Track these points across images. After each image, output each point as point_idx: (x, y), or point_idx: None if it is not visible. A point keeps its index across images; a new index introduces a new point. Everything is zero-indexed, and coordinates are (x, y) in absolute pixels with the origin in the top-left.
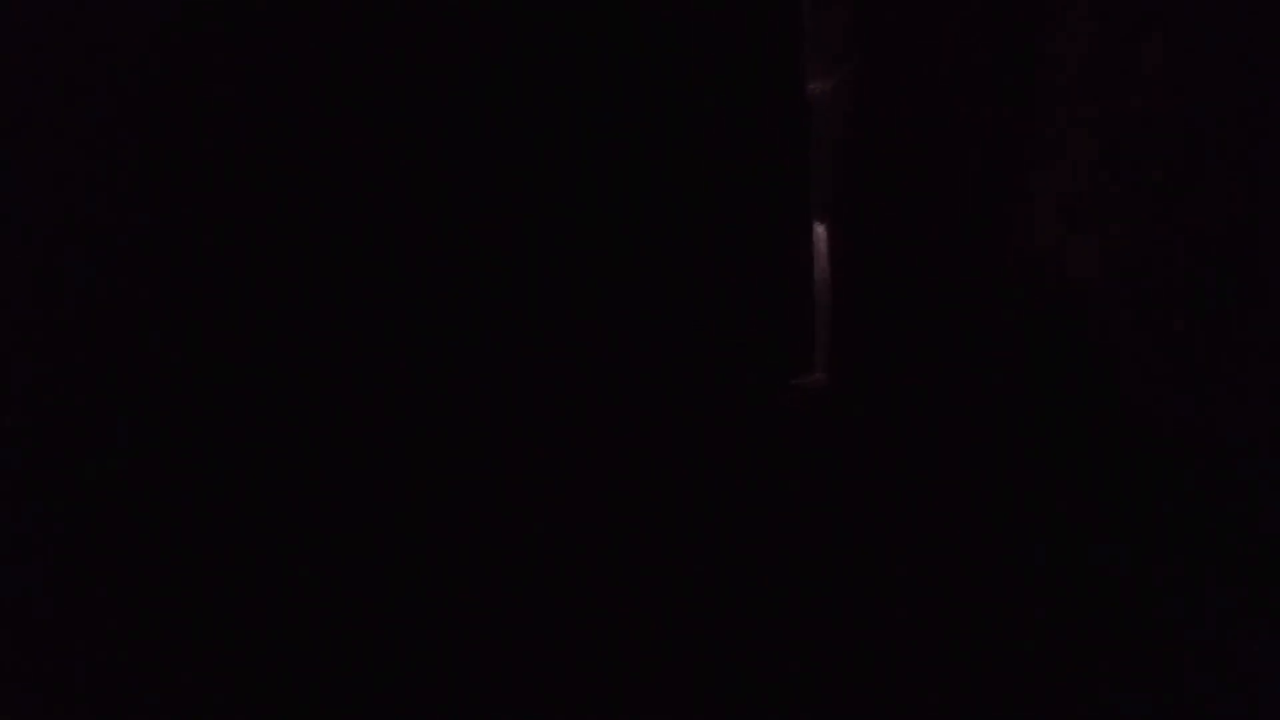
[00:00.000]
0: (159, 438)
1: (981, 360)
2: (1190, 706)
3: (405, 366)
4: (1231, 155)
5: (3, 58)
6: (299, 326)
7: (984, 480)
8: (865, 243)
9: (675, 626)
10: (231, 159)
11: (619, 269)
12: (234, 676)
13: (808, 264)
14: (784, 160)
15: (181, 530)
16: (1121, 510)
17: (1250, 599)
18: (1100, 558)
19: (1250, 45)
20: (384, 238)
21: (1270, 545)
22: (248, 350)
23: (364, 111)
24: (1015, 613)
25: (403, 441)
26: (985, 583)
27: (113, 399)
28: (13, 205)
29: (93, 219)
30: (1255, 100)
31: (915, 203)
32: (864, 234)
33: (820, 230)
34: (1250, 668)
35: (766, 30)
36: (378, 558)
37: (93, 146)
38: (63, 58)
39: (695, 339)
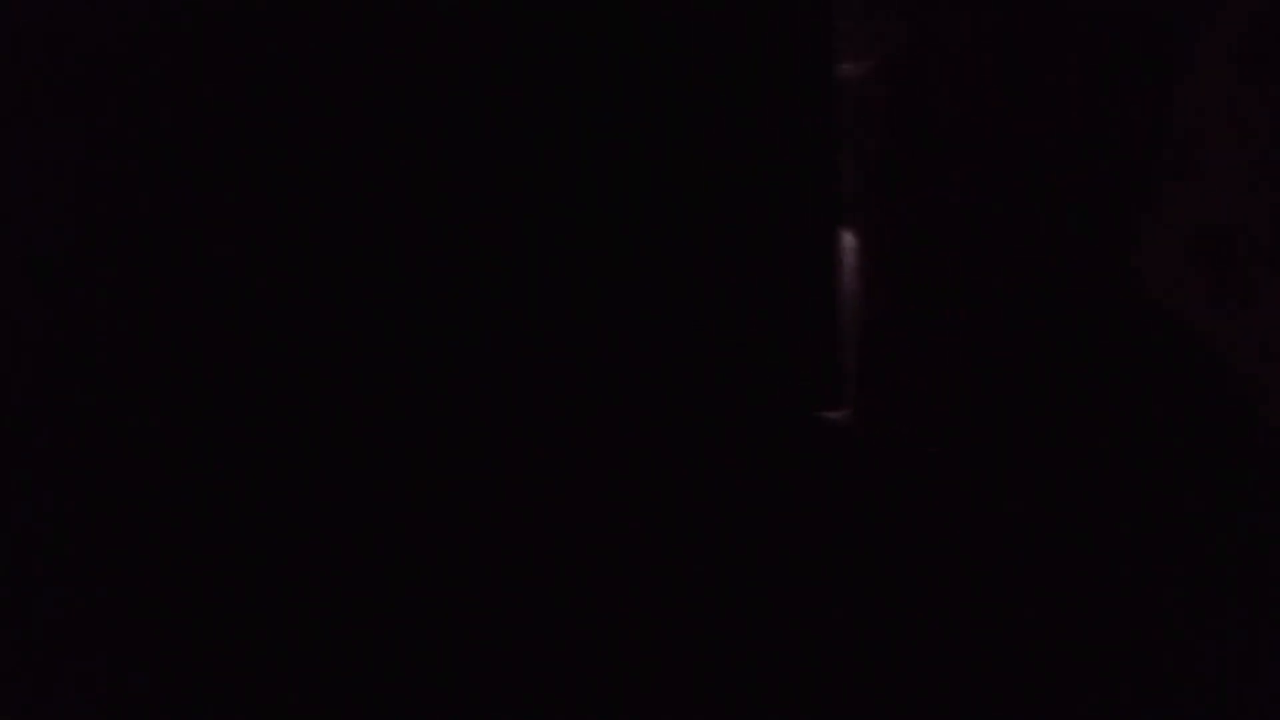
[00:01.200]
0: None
1: (1061, 403)
2: None
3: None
4: None
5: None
6: (307, 329)
7: (1057, 549)
8: (912, 256)
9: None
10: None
11: (604, 277)
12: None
13: (833, 277)
14: (806, 156)
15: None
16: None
17: None
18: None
19: None
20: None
21: None
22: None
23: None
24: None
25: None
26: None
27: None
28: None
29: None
30: None
31: (980, 210)
32: (911, 246)
33: (850, 239)
34: None
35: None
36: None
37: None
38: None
39: (696, 362)
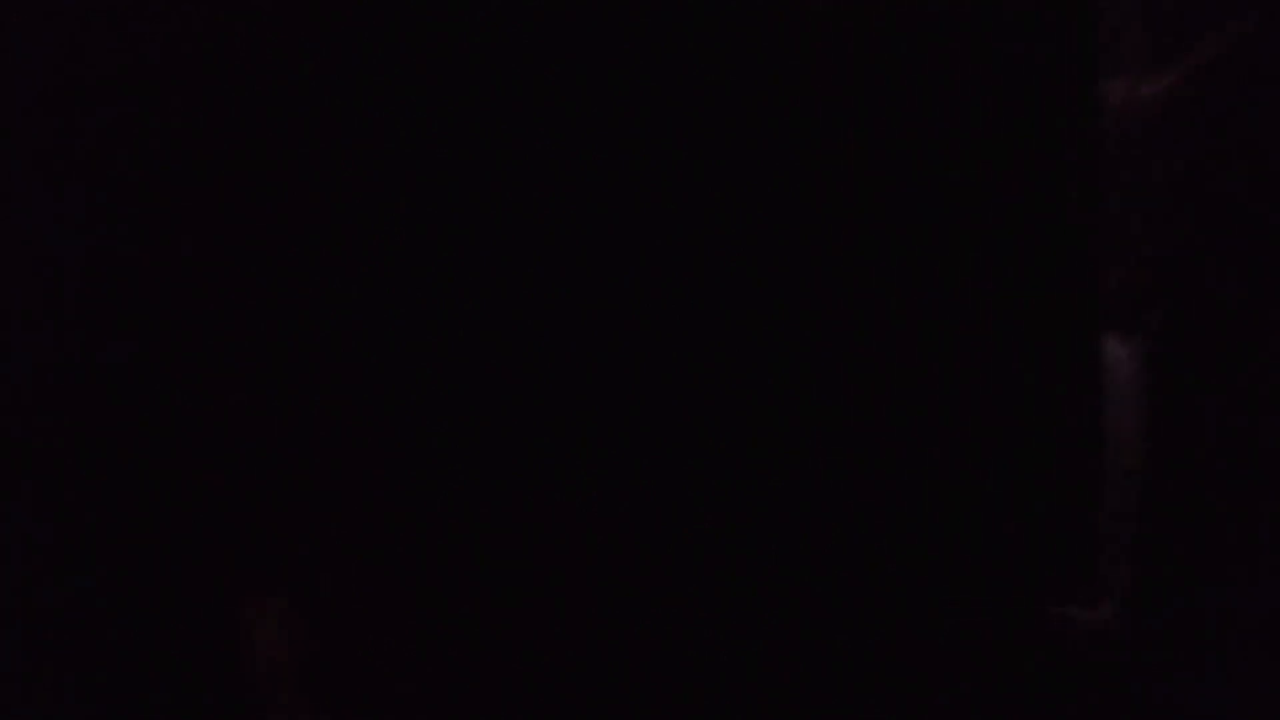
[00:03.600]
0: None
1: None
2: None
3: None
4: None
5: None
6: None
7: None
8: (1208, 376)
9: None
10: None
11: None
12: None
13: (1093, 410)
14: (1052, 221)
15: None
16: None
17: None
18: None
19: None
20: None
21: None
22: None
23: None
24: None
25: None
26: None
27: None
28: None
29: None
30: None
31: None
32: (1215, 355)
33: (1119, 350)
34: None
35: None
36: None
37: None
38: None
39: (885, 537)
